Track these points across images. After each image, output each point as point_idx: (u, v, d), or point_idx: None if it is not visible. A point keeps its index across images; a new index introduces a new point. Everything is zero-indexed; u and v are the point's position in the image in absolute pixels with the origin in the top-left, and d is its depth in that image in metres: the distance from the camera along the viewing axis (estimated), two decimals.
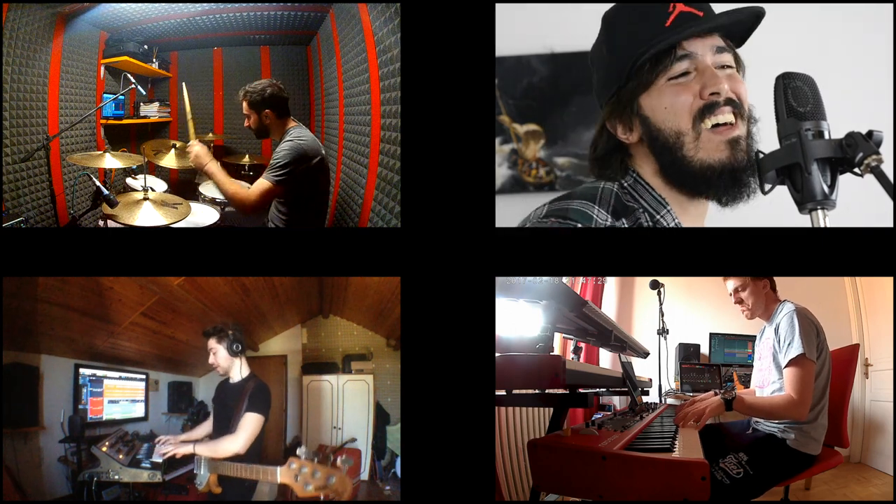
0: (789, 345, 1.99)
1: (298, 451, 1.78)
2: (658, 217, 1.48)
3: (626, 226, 1.44)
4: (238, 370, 2.30)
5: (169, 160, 3.36)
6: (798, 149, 1.26)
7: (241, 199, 2.59)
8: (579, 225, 1.40)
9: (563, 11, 2.26)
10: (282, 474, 1.77)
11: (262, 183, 2.58)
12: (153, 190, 2.74)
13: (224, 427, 2.25)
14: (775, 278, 2.19)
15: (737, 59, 1.49)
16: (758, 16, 1.48)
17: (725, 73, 1.43)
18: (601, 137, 1.55)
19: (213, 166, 2.62)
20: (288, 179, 2.58)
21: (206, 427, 2.46)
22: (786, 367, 1.99)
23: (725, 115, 1.41)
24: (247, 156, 3.94)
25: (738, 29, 1.49)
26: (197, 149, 2.64)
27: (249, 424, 2.16)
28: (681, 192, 1.49)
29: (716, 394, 2.03)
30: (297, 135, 2.66)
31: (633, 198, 1.50)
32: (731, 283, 2.21)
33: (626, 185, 1.51)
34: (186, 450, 2.16)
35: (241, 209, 2.63)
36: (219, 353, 2.28)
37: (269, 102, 2.69)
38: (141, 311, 2.53)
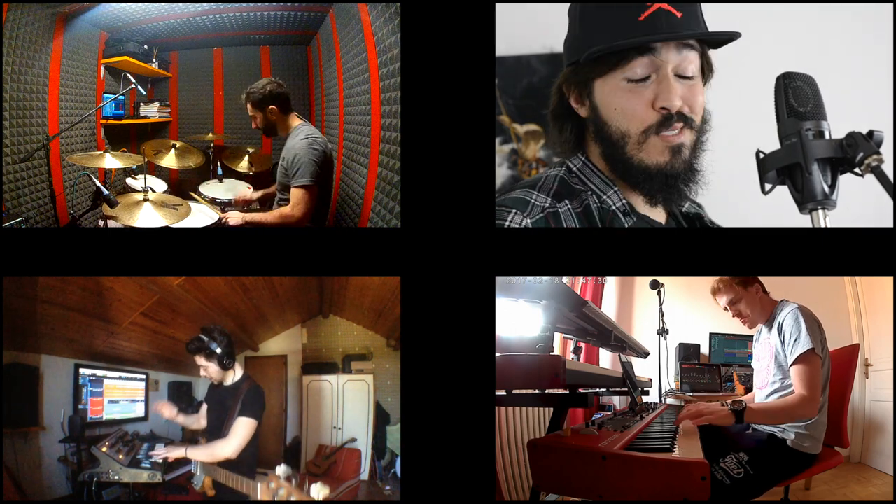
0: (796, 341, 1.99)
1: (278, 471, 1.82)
2: (605, 197, 1.48)
3: (570, 207, 1.44)
4: (231, 377, 2.29)
5: (169, 160, 3.36)
6: (798, 149, 1.27)
7: (290, 221, 2.63)
8: (514, 211, 1.41)
9: (563, 11, 2.26)
10: (261, 491, 1.82)
11: (296, 193, 2.62)
12: (153, 190, 2.74)
13: (218, 429, 2.24)
14: (770, 281, 2.19)
15: (704, 63, 1.45)
16: (732, 38, 1.45)
17: (684, 85, 1.40)
18: (555, 97, 1.54)
19: (251, 217, 2.73)
20: (318, 178, 2.63)
21: (197, 419, 2.45)
22: (794, 364, 1.99)
23: (675, 131, 1.40)
24: (246, 156, 3.94)
25: (711, 43, 1.47)
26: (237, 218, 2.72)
27: (242, 429, 2.15)
28: (621, 179, 1.49)
29: (723, 405, 2.02)
30: (310, 132, 2.71)
31: (581, 180, 1.50)
32: (723, 300, 2.21)
33: (574, 168, 1.52)
34: (179, 454, 2.16)
35: (297, 226, 2.68)
36: (210, 370, 2.25)
37: (272, 98, 2.73)
38: (141, 311, 2.53)
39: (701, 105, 1.43)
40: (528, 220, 1.40)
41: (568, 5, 1.55)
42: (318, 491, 1.81)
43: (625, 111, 1.41)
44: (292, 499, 1.78)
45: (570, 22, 1.53)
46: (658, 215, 1.55)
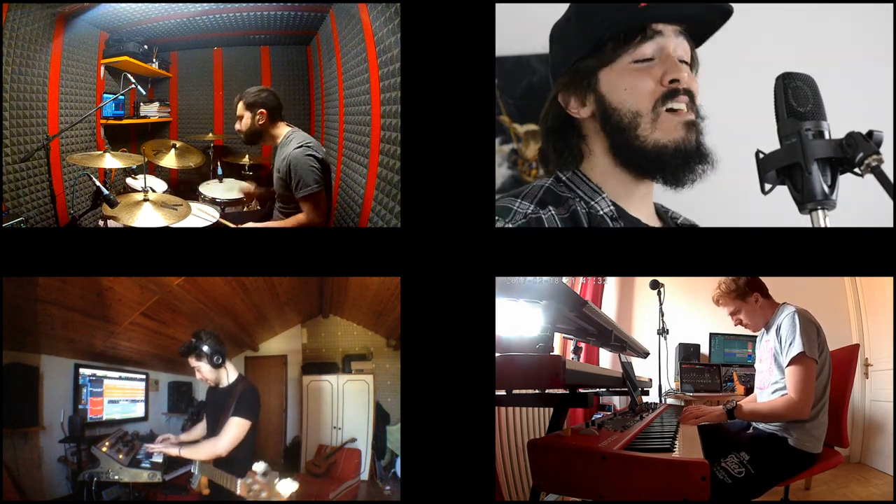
0: (790, 344, 2.00)
1: (255, 466, 1.93)
2: (593, 203, 1.48)
3: (555, 213, 1.45)
4: (226, 377, 2.30)
5: (169, 160, 3.36)
6: (798, 149, 1.27)
7: (304, 226, 2.65)
8: (497, 218, 1.43)
9: (563, 11, 2.26)
10: (240, 486, 1.93)
11: (305, 202, 2.64)
12: (153, 190, 2.74)
13: (214, 430, 2.26)
14: (769, 282, 2.21)
15: (693, 56, 1.52)
16: (725, 14, 1.51)
17: (684, 65, 1.47)
18: (551, 109, 1.56)
19: (264, 226, 2.74)
20: (321, 181, 2.64)
21: (200, 430, 2.46)
22: (788, 365, 2.00)
23: (682, 104, 1.44)
24: (247, 156, 3.94)
25: (702, 28, 1.53)
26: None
27: (233, 428, 2.17)
28: (627, 171, 1.50)
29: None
30: (301, 139, 2.69)
31: (569, 188, 1.51)
32: (726, 311, 2.27)
33: (563, 178, 1.53)
34: (174, 452, 2.18)
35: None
36: (203, 370, 2.27)
37: (264, 103, 2.73)
38: (141, 311, 2.53)
39: (698, 90, 1.48)
40: (509, 226, 1.42)
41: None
42: (287, 487, 1.86)
43: (635, 88, 1.44)
44: (263, 494, 1.88)
45: (559, 36, 1.58)
46: (651, 221, 1.56)
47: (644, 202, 1.56)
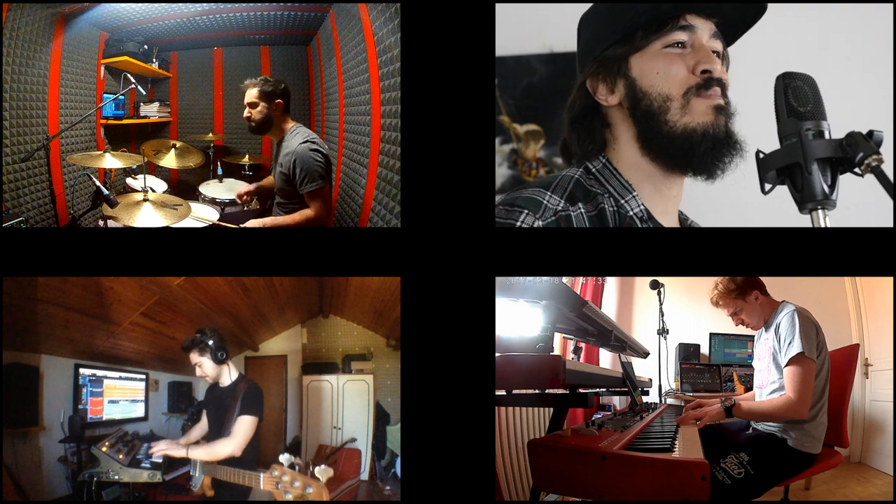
0: (789, 344, 2.00)
1: (282, 458, 1.84)
2: (623, 202, 1.45)
3: (584, 210, 1.42)
4: (227, 375, 2.30)
5: (169, 160, 3.36)
6: (798, 149, 1.27)
7: (311, 221, 2.63)
8: (526, 211, 1.38)
9: (563, 11, 2.27)
10: (264, 481, 1.84)
11: (311, 197, 2.62)
12: (153, 190, 2.74)
13: (218, 430, 2.25)
14: (768, 281, 2.21)
15: (725, 51, 1.50)
16: (759, 11, 1.49)
17: (716, 58, 1.45)
18: (578, 97, 1.53)
19: (271, 220, 2.70)
20: (326, 177, 2.62)
21: (200, 429, 2.46)
22: (786, 365, 2.00)
23: (713, 92, 1.41)
24: (247, 156, 3.95)
25: (734, 27, 1.51)
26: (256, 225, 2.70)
27: (244, 427, 2.16)
28: (656, 163, 1.46)
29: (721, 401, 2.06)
30: (307, 134, 2.68)
31: (599, 182, 1.48)
32: (726, 311, 2.25)
33: (593, 169, 1.50)
34: (180, 453, 2.17)
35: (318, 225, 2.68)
36: (204, 365, 2.26)
37: (283, 94, 2.70)
38: (141, 311, 2.53)
39: (728, 81, 1.46)
40: (540, 223, 1.37)
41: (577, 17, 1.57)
42: (322, 473, 1.81)
43: (667, 73, 1.41)
44: (296, 483, 1.79)
45: (589, 23, 1.55)
46: (672, 224, 1.55)
47: (671, 204, 1.53)
